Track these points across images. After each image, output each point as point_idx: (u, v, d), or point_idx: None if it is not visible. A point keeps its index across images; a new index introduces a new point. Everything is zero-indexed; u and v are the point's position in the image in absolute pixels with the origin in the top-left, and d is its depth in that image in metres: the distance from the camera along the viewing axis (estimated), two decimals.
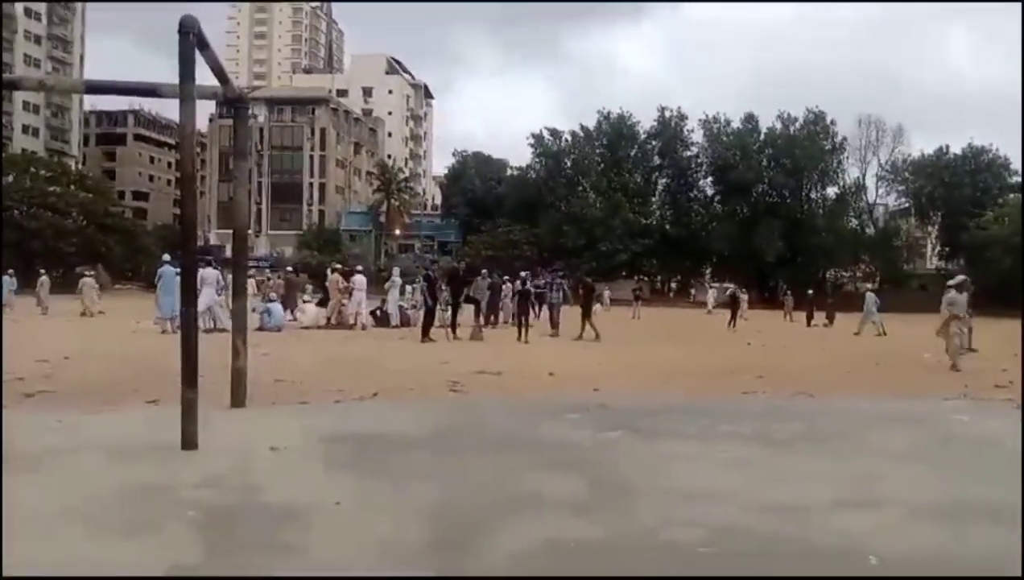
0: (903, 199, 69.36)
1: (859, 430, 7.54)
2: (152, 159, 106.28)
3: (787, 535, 4.17)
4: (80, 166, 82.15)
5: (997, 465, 6.19)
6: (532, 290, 22.33)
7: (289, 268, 29.37)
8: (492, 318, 23.66)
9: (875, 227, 68.75)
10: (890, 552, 3.90)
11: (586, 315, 20.08)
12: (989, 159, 64.03)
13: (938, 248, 69.81)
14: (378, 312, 22.98)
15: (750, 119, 67.29)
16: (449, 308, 19.79)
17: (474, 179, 75.05)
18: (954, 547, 4.06)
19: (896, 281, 65.85)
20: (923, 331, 21.57)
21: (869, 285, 37.95)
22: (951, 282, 15.14)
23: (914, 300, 48.74)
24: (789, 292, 41.77)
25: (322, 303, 23.14)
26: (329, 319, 22.14)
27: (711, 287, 56.50)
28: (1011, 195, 60.00)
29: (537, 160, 71.04)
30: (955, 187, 62.42)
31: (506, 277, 27.20)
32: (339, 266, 24.91)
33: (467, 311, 20.91)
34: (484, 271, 25.97)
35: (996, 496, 5.03)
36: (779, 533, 4.20)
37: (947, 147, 65.32)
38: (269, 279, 23.71)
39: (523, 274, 24.85)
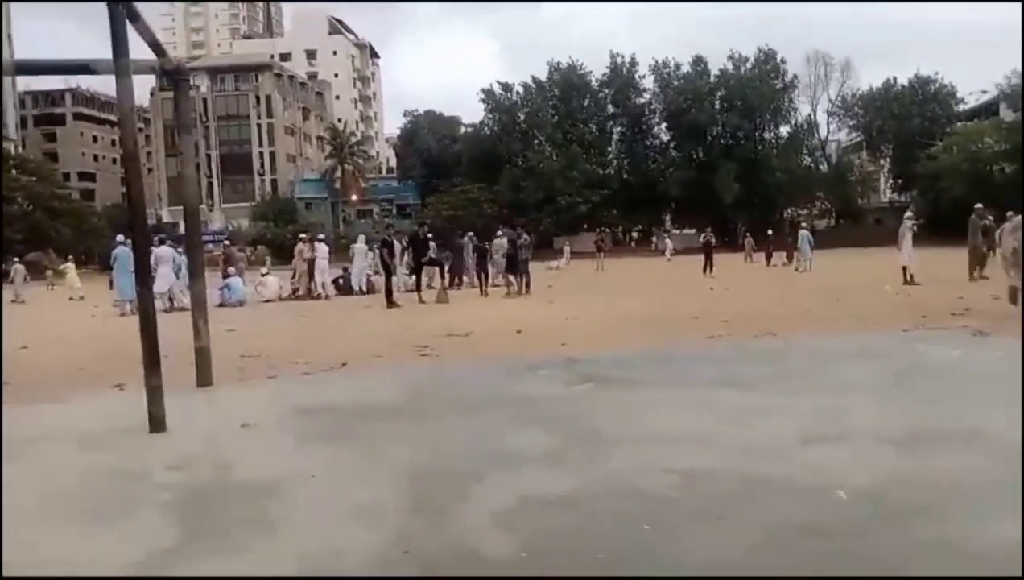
0: (854, 134, 70.09)
1: (823, 366, 7.71)
2: (95, 138, 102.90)
3: (758, 475, 4.26)
4: (20, 149, 79.38)
5: (957, 392, 6.40)
6: (495, 248, 22.16)
7: (226, 241, 28.98)
8: (457, 280, 23.58)
9: (828, 164, 69.32)
10: (858, 484, 4.02)
11: (515, 269, 19.73)
12: (936, 88, 64.73)
13: (891, 181, 70.82)
14: (340, 281, 22.81)
15: (699, 62, 66.88)
16: (412, 272, 19.70)
17: (428, 139, 73.97)
18: (919, 474, 4.19)
19: (852, 216, 67.12)
20: (882, 263, 22.10)
21: (803, 224, 38.50)
22: None
23: (870, 234, 49.85)
24: (748, 233, 42.20)
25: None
26: (295, 290, 21.97)
27: (666, 234, 56.84)
28: (959, 124, 60.95)
29: (490, 116, 69.97)
30: (904, 119, 63.09)
31: (467, 236, 27.06)
32: (304, 236, 24.60)
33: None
34: (470, 234, 25.71)
35: (957, 423, 5.23)
36: (750, 473, 4.29)
37: (895, 79, 65.86)
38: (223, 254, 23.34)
39: (500, 233, 24.38)
